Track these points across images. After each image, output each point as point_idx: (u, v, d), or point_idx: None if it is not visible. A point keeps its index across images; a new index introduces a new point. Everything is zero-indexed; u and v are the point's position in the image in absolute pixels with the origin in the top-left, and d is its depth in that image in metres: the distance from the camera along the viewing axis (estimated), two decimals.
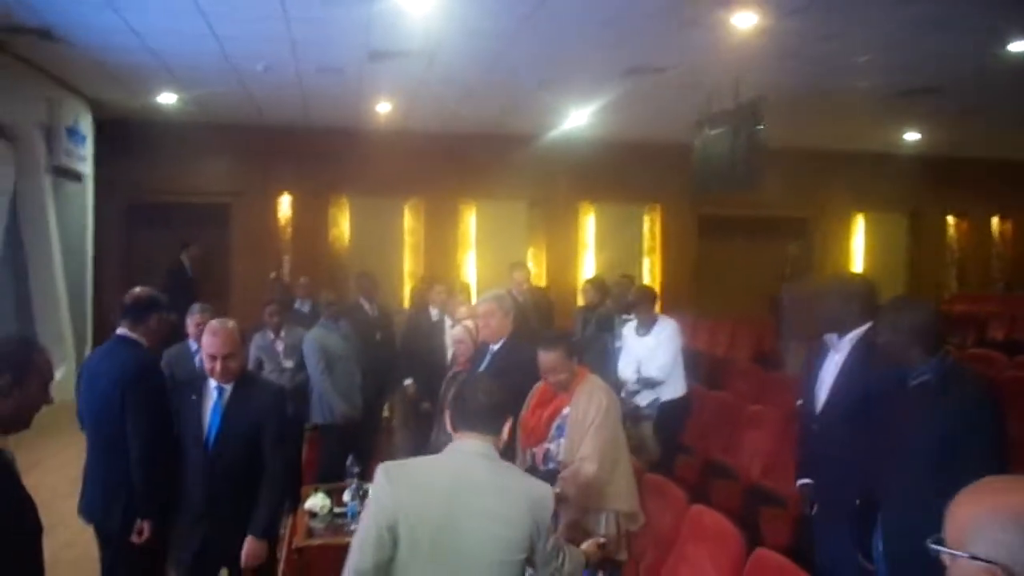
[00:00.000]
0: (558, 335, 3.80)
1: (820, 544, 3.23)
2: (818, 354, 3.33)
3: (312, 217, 10.60)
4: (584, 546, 2.54)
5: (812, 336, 3.36)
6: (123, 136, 9.37)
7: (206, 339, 3.12)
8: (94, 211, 9.19)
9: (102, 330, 8.01)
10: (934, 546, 1.22)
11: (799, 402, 3.74)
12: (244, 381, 3.21)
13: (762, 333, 8.35)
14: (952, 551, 1.18)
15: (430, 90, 8.11)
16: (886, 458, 2.65)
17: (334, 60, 7.08)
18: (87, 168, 8.89)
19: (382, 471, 2.07)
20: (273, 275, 8.98)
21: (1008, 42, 6.31)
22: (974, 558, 1.14)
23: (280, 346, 5.58)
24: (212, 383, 3.14)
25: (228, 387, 3.14)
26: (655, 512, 3.52)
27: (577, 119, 9.33)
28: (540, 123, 9.67)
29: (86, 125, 8.79)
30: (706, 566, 3.01)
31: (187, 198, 10.18)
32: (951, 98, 8.23)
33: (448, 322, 5.90)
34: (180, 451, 3.15)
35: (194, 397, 3.14)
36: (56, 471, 5.19)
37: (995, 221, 13.32)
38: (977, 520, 1.16)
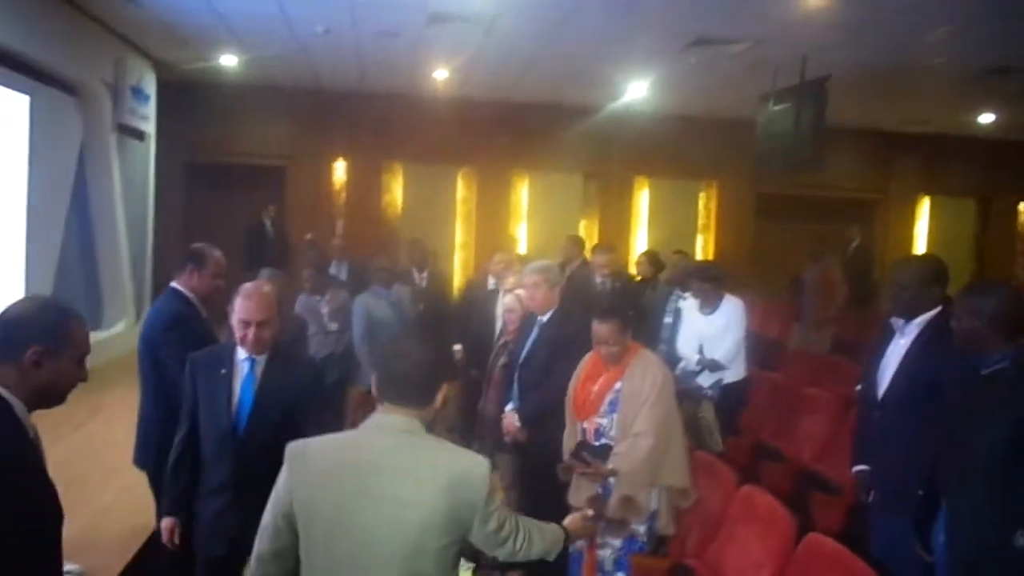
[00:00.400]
0: (614, 306, 3.76)
1: (876, 533, 3.14)
2: (883, 338, 3.21)
3: (366, 183, 10.66)
4: (567, 520, 2.33)
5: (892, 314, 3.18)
6: (184, 97, 9.52)
7: (239, 303, 2.76)
8: (155, 170, 9.40)
9: (161, 287, 8.21)
10: None
11: (858, 387, 3.63)
12: (278, 354, 2.84)
13: None
14: None
15: (487, 57, 8.03)
16: (954, 448, 2.54)
17: (393, 24, 7.05)
18: (150, 127, 9.06)
19: (286, 454, 1.88)
20: (308, 237, 8.94)
21: None
22: None
23: (325, 308, 5.59)
24: (242, 355, 2.78)
25: (260, 360, 2.78)
26: (703, 490, 3.48)
27: (636, 91, 9.15)
28: (598, 95, 9.51)
29: (150, 85, 8.94)
30: (755, 547, 2.96)
31: (244, 160, 10.33)
32: None
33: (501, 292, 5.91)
34: (205, 430, 2.79)
35: (223, 371, 2.76)
36: (117, 420, 5.36)
37: None
38: None
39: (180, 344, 3.17)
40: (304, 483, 1.81)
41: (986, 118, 10.07)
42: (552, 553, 2.15)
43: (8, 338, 1.69)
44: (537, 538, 2.05)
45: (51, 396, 1.74)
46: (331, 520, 1.78)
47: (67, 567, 2.55)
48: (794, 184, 10.49)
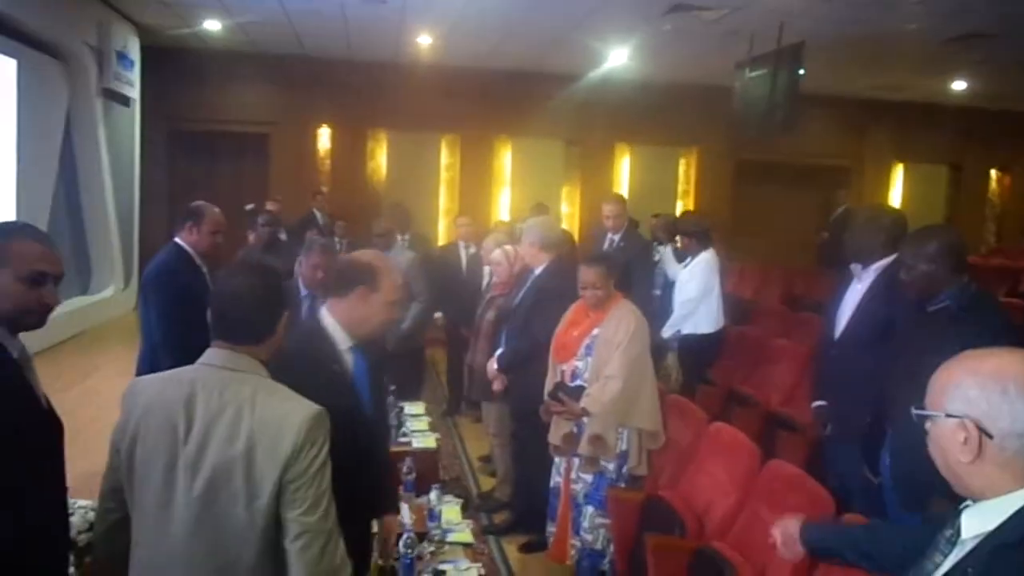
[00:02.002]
0: (603, 254, 4.03)
1: (831, 461, 3.41)
2: (842, 283, 3.45)
3: (350, 150, 10.75)
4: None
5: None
6: (168, 63, 9.53)
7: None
8: (140, 137, 9.45)
9: (148, 252, 8.32)
10: (917, 411, 1.36)
11: None
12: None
13: (793, 278, 8.42)
14: (931, 412, 1.33)
15: (471, 24, 8.13)
16: (901, 381, 2.79)
17: None
18: (135, 93, 9.10)
19: (125, 389, 1.80)
20: (250, 207, 8.41)
21: None
22: (949, 416, 1.29)
23: None
24: (345, 346, 2.38)
25: (360, 350, 2.41)
26: (676, 431, 3.71)
27: (617, 59, 9.29)
28: (579, 62, 9.64)
29: (134, 50, 8.97)
30: (722, 476, 3.20)
31: (228, 126, 10.39)
32: (1005, 46, 8.02)
33: (471, 250, 6.29)
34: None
35: (336, 367, 2.35)
36: (113, 376, 5.53)
37: None
38: (954, 382, 1.30)
39: (162, 292, 3.42)
40: (131, 418, 1.74)
41: (958, 85, 10.30)
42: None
43: None
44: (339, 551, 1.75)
45: (11, 317, 1.73)
46: (147, 455, 1.70)
47: (81, 502, 2.76)
48: (771, 150, 10.76)
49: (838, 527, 2.10)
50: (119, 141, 8.74)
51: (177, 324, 3.30)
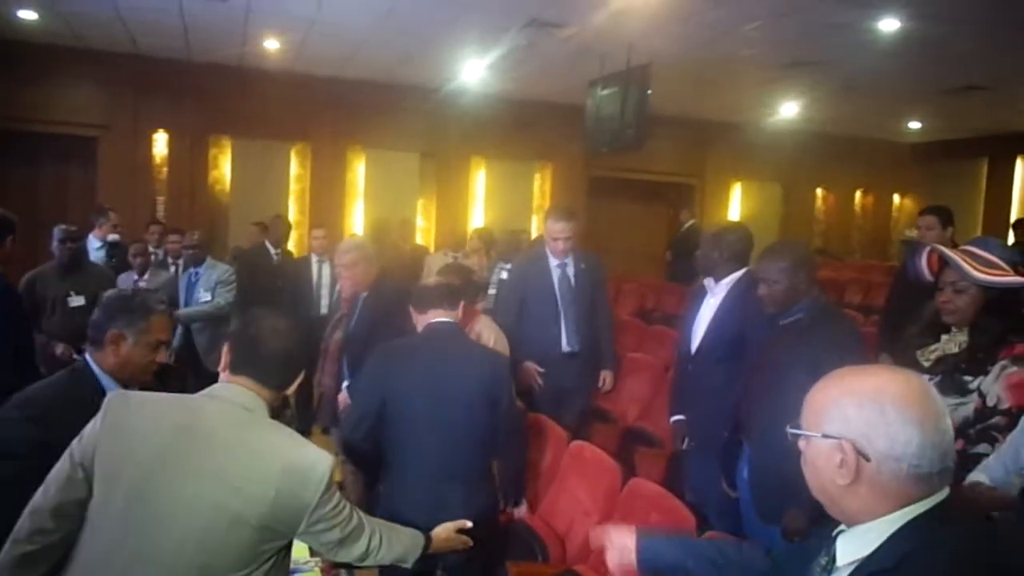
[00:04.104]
0: (457, 266, 3.89)
1: (690, 476, 3.42)
2: (696, 297, 3.49)
3: (190, 158, 10.04)
4: (436, 529, 2.21)
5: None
6: None
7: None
8: None
9: None
10: (791, 431, 1.30)
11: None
12: None
13: (645, 291, 8.66)
14: (806, 432, 1.28)
15: (321, 31, 7.81)
16: (756, 394, 2.82)
17: None
18: None
19: (105, 401, 1.70)
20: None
21: (880, 19, 6.67)
22: (826, 436, 1.23)
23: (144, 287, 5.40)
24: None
25: None
26: (535, 451, 3.62)
27: (473, 71, 9.24)
28: (436, 74, 9.50)
29: None
30: (584, 496, 3.13)
31: (49, 128, 9.41)
32: (831, 73, 8.65)
33: (325, 263, 6.03)
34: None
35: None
36: None
37: (857, 195, 14.26)
38: (830, 401, 1.25)
39: None
40: (117, 434, 1.62)
41: (788, 109, 11.04)
42: (409, 559, 2.04)
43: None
44: (388, 542, 1.93)
45: (130, 377, 2.15)
46: (136, 481, 1.58)
47: None
48: (622, 167, 11.12)
49: (682, 540, 1.81)
50: None
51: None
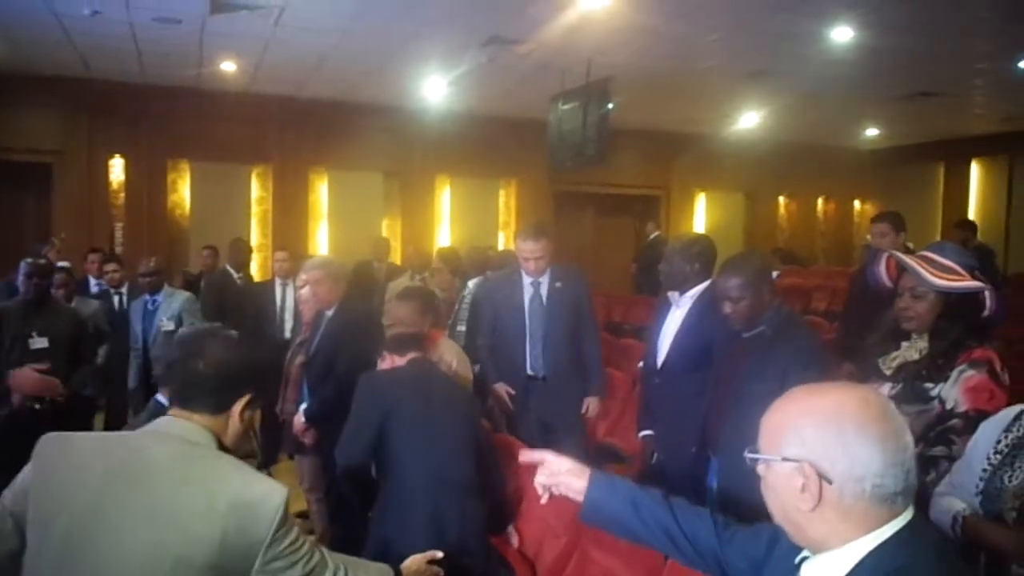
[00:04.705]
0: (417, 290, 3.83)
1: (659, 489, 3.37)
2: (661, 311, 3.46)
3: (148, 183, 9.85)
4: (406, 562, 2.07)
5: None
6: None
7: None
8: None
9: None
10: (750, 455, 1.26)
11: (640, 364, 3.89)
12: None
13: (612, 304, 8.64)
14: (765, 456, 1.23)
15: (279, 51, 7.73)
16: (723, 407, 2.79)
17: (172, 9, 6.58)
18: None
19: (39, 443, 1.59)
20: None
21: (834, 28, 6.76)
22: (785, 459, 1.19)
23: None
24: None
25: None
26: (502, 471, 3.55)
27: (435, 90, 9.21)
28: (397, 93, 9.46)
29: None
30: (552, 518, 3.07)
31: (2, 155, 9.19)
32: (790, 82, 8.75)
33: (291, 291, 5.87)
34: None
35: None
36: None
37: (820, 202, 14.45)
38: (788, 424, 1.21)
39: None
40: (50, 479, 1.52)
41: (749, 119, 11.16)
42: None
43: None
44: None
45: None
46: (70, 528, 1.48)
47: None
48: (586, 181, 11.15)
49: (637, 502, 1.65)
50: None
51: None
